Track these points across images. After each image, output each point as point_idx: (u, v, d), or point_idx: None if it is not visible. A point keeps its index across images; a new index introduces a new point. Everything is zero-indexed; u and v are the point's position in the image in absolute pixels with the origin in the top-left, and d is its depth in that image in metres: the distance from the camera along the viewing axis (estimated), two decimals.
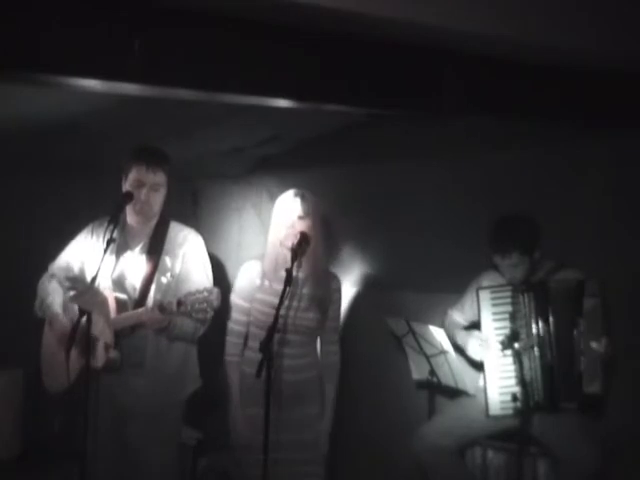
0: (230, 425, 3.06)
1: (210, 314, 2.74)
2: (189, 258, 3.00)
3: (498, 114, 2.73)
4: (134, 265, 2.99)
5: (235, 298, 3.06)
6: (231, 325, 3.07)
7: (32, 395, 4.09)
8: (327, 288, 3.05)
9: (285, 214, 2.95)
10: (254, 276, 3.03)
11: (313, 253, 2.98)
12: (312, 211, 2.96)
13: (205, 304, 2.69)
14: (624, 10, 2.50)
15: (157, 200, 2.96)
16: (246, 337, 3.07)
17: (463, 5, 2.20)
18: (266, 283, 2.99)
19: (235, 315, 3.05)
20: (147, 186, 2.92)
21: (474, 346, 3.25)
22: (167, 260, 2.98)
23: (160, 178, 2.94)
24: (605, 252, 3.24)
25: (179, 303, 2.71)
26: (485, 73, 2.58)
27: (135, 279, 2.97)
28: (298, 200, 2.95)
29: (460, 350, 3.41)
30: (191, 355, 3.08)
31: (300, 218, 2.93)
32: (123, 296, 2.95)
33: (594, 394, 2.99)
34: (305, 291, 2.99)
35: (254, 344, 2.92)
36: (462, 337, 3.35)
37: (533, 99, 2.71)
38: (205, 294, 2.69)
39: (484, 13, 2.24)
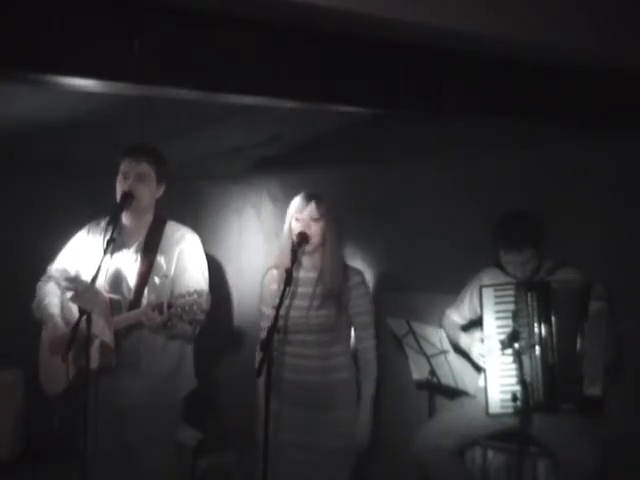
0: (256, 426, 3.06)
1: (200, 316, 2.73)
2: (185, 257, 3.00)
3: (498, 114, 2.73)
4: (129, 265, 2.99)
5: (262, 307, 3.13)
6: (261, 333, 3.06)
7: (32, 395, 4.09)
8: (344, 284, 3.03)
9: (298, 217, 2.95)
10: (271, 282, 3.07)
11: (327, 253, 3.00)
12: (326, 212, 2.97)
13: (195, 306, 2.68)
14: (624, 10, 2.50)
15: (144, 192, 2.94)
16: None
17: (463, 5, 2.20)
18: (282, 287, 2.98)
19: (263, 323, 3.07)
20: (131, 176, 2.91)
21: (478, 351, 3.23)
22: (162, 259, 2.98)
23: (144, 168, 2.93)
24: (605, 252, 3.23)
25: (169, 305, 2.70)
26: (485, 73, 2.58)
27: (130, 279, 2.97)
28: (312, 203, 2.96)
29: (461, 352, 3.40)
30: (187, 355, 3.09)
31: (314, 220, 2.94)
32: (117, 297, 2.94)
33: (594, 396, 2.98)
34: (319, 290, 3.00)
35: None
36: (465, 341, 3.34)
37: (533, 99, 2.71)
38: (195, 296, 2.68)
39: (484, 13, 2.24)
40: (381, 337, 3.19)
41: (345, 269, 3.09)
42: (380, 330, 3.19)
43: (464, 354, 3.39)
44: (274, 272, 3.09)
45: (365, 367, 3.09)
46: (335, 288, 3.00)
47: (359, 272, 3.13)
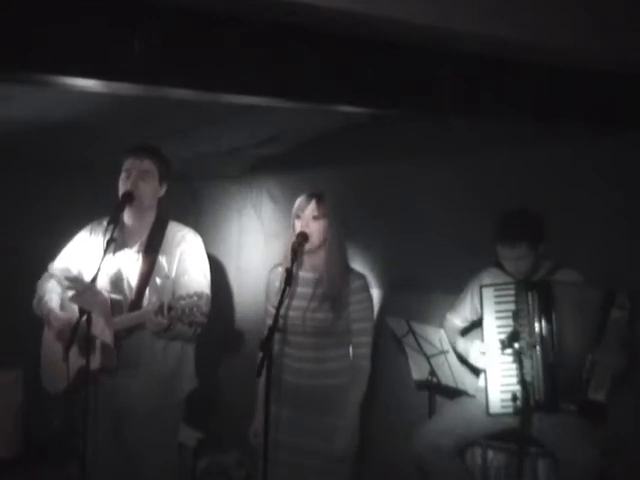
0: (252, 425, 3.07)
1: (200, 318, 2.72)
2: (186, 258, 2.99)
3: (498, 114, 2.73)
4: (131, 265, 2.98)
5: (267, 305, 3.11)
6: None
7: (32, 395, 4.10)
8: (344, 287, 2.98)
9: (300, 215, 2.96)
10: (275, 280, 3.06)
11: (328, 253, 2.97)
12: (328, 212, 2.96)
13: (195, 309, 2.67)
14: (624, 10, 2.50)
15: (146, 190, 2.95)
16: None
17: (463, 5, 2.20)
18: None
19: (269, 321, 3.04)
20: (133, 173, 2.92)
21: (476, 354, 3.23)
22: (164, 260, 2.97)
23: (147, 166, 2.94)
24: (605, 252, 3.23)
25: (170, 308, 2.68)
26: (485, 73, 2.58)
27: (132, 279, 2.97)
28: (313, 201, 2.95)
29: (461, 357, 3.40)
30: (187, 356, 3.08)
31: (314, 219, 2.93)
32: (118, 297, 2.94)
33: (598, 402, 2.96)
34: (318, 291, 2.98)
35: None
36: (463, 345, 3.34)
37: (533, 99, 2.71)
38: (195, 299, 2.67)
39: (484, 13, 2.24)
40: (380, 343, 3.16)
41: (347, 272, 3.02)
42: (379, 337, 3.15)
43: (463, 360, 3.39)
44: (279, 269, 3.07)
45: (356, 375, 3.00)
46: (333, 290, 2.94)
47: (362, 276, 3.06)
